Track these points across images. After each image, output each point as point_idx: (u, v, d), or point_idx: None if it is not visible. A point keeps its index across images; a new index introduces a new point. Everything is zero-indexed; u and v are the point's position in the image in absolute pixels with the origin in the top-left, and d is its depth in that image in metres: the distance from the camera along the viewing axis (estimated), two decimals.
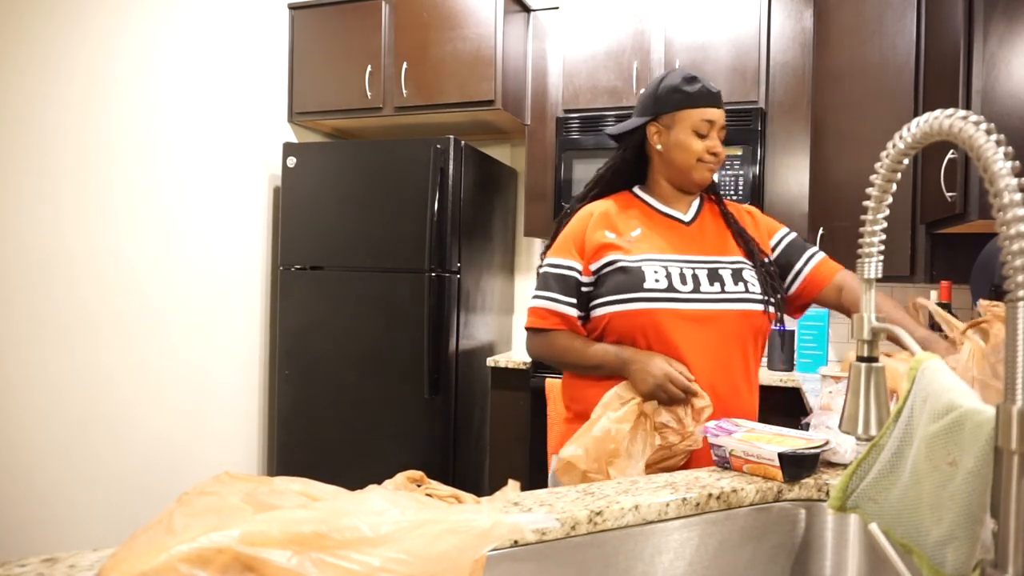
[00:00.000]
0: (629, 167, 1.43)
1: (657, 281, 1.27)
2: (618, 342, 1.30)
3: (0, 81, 2.06)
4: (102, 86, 2.35)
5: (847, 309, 1.37)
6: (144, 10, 2.48)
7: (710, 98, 1.33)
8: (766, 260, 1.38)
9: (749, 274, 1.33)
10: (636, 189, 1.44)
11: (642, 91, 1.43)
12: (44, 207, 2.19)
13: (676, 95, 1.33)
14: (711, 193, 1.46)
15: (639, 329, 1.27)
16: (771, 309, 1.33)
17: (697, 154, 1.33)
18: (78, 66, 2.27)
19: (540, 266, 1.43)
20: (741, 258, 1.36)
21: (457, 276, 2.86)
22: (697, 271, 1.31)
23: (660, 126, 1.36)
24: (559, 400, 1.55)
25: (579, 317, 1.35)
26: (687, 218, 1.39)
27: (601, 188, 1.44)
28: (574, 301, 1.35)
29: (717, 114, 1.33)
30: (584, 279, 1.35)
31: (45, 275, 2.19)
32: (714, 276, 1.31)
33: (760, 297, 1.32)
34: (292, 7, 3.21)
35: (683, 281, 1.29)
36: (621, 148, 1.43)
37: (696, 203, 1.42)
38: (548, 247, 1.44)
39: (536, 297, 1.39)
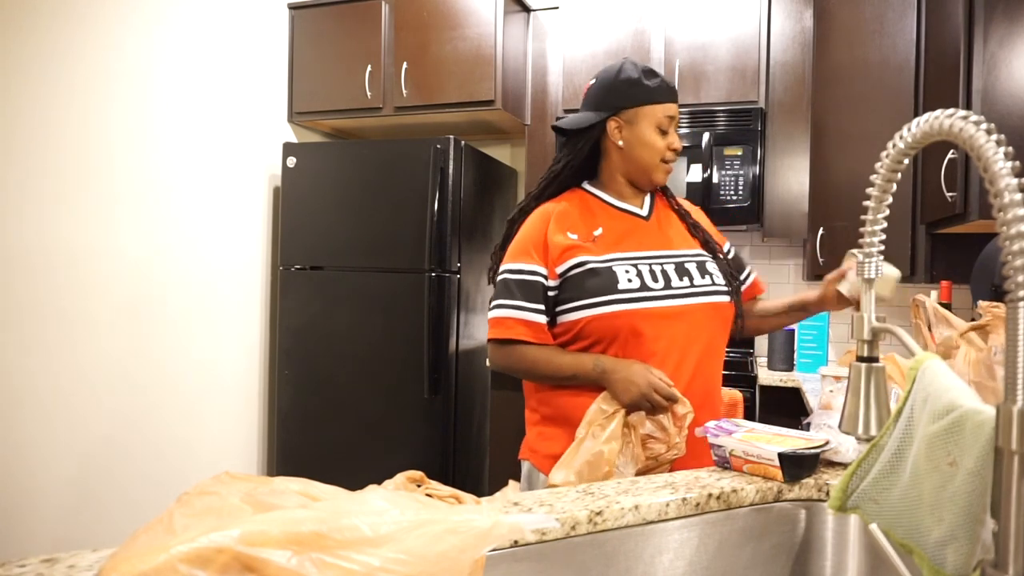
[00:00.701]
0: (584, 163, 1.40)
1: (630, 281, 1.26)
2: (591, 346, 1.28)
3: (0, 81, 2.07)
4: (102, 86, 2.35)
5: (751, 321, 1.48)
6: (144, 10, 2.48)
7: (671, 93, 1.33)
8: (721, 254, 1.40)
9: (712, 266, 1.34)
10: (587, 186, 1.41)
11: (592, 83, 1.38)
12: (43, 206, 2.18)
13: (638, 90, 1.31)
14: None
15: (616, 331, 1.25)
16: (734, 299, 1.35)
17: (660, 153, 1.32)
18: (78, 66, 2.27)
19: (495, 272, 1.38)
20: (700, 251, 1.37)
21: (457, 276, 2.86)
22: (665, 266, 1.30)
23: (621, 121, 1.33)
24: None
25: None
26: (644, 213, 1.38)
27: (557, 186, 1.40)
28: (542, 307, 1.30)
29: (676, 109, 1.33)
30: (550, 283, 1.30)
31: (45, 275, 2.19)
32: (682, 270, 1.31)
33: (726, 288, 1.33)
34: (292, 7, 3.21)
35: (654, 278, 1.28)
36: (577, 143, 1.37)
37: (648, 198, 1.41)
38: (501, 252, 1.39)
39: (499, 306, 1.32)
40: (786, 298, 1.45)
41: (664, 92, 1.32)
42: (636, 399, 1.20)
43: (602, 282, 1.25)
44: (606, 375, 1.23)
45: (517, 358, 1.31)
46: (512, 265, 1.33)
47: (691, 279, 1.30)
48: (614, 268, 1.27)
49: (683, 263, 1.32)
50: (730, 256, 1.46)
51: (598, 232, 1.32)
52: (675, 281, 1.29)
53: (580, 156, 1.38)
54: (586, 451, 1.18)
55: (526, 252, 1.32)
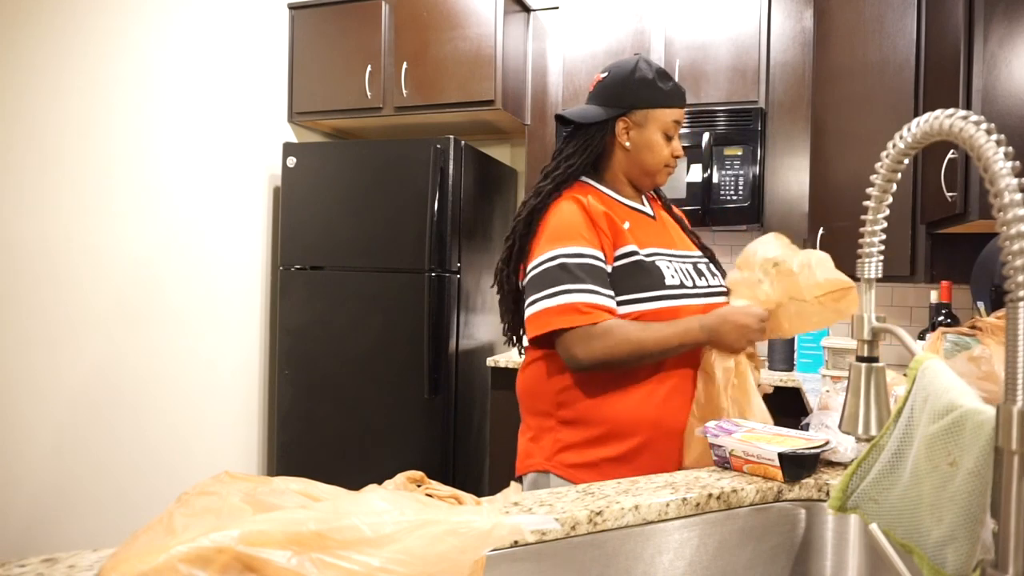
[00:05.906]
0: (594, 159, 1.34)
1: (672, 277, 1.27)
2: None
3: (1, 80, 2.07)
4: (102, 86, 2.35)
5: None
6: (145, 10, 2.48)
7: (682, 98, 1.33)
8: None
9: (713, 267, 1.39)
10: (590, 180, 1.34)
11: (605, 76, 1.33)
12: (43, 205, 2.18)
13: (651, 92, 1.29)
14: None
15: None
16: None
17: (665, 159, 1.32)
18: (79, 66, 2.27)
19: (543, 261, 1.23)
20: (699, 253, 1.40)
21: (457, 276, 2.86)
22: (685, 266, 1.33)
23: (630, 122, 1.31)
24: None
25: None
26: (651, 213, 1.39)
27: (571, 181, 1.33)
28: (612, 293, 1.21)
29: (683, 114, 1.35)
30: (608, 269, 1.24)
31: (44, 274, 2.19)
32: (697, 270, 1.34)
33: (725, 289, 1.36)
34: (292, 7, 3.21)
35: (685, 276, 1.31)
36: (589, 138, 1.32)
37: (645, 198, 1.42)
38: (520, 249, 1.30)
39: (566, 291, 1.18)
40: None
41: (676, 97, 1.31)
42: (754, 338, 1.22)
43: (649, 277, 1.25)
44: (715, 331, 1.20)
45: (621, 339, 1.17)
46: (568, 249, 1.21)
47: (707, 279, 1.34)
48: (657, 263, 1.27)
49: (696, 263, 1.35)
50: None
51: (626, 226, 1.28)
52: (697, 280, 1.32)
53: (594, 153, 1.32)
54: (759, 410, 1.23)
55: (579, 236, 1.22)
